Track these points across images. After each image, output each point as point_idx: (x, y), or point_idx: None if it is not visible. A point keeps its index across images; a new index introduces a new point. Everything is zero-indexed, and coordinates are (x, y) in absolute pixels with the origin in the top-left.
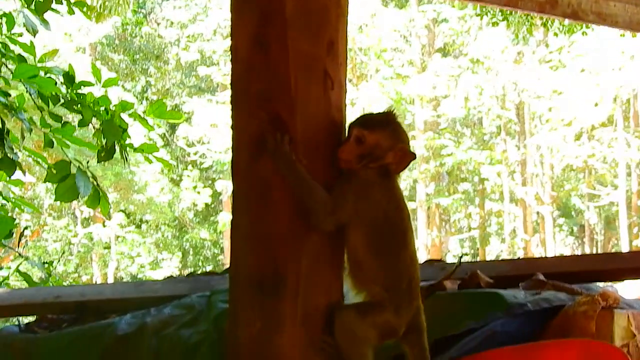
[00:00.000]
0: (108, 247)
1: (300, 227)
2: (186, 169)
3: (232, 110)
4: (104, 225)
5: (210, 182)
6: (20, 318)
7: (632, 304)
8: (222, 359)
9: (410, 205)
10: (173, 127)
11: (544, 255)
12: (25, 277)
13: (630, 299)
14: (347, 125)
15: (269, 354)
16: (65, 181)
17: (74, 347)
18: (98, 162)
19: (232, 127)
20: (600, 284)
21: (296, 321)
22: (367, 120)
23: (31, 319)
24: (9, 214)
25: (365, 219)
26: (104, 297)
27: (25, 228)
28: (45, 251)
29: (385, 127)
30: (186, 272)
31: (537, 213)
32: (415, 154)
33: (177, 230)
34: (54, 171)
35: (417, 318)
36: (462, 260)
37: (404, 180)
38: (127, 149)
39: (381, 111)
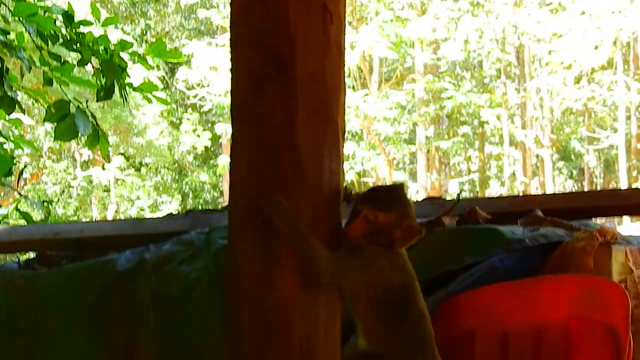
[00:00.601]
0: (107, 190)
1: None
2: (186, 112)
3: (231, 47)
4: (104, 168)
5: (209, 125)
6: (20, 255)
7: (630, 240)
8: (221, 294)
9: (410, 148)
10: (172, 70)
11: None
12: (25, 216)
13: (628, 235)
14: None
15: (269, 286)
16: (65, 120)
17: (73, 284)
18: (97, 101)
19: (231, 62)
20: (599, 221)
21: (294, 260)
22: (377, 200)
23: (31, 255)
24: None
25: (370, 290)
26: (103, 233)
27: (25, 166)
28: (45, 194)
29: (395, 206)
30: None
31: (537, 156)
32: (422, 230)
33: (176, 173)
34: (53, 110)
35: None
36: (461, 197)
37: (404, 124)
38: (127, 88)
39: (389, 185)
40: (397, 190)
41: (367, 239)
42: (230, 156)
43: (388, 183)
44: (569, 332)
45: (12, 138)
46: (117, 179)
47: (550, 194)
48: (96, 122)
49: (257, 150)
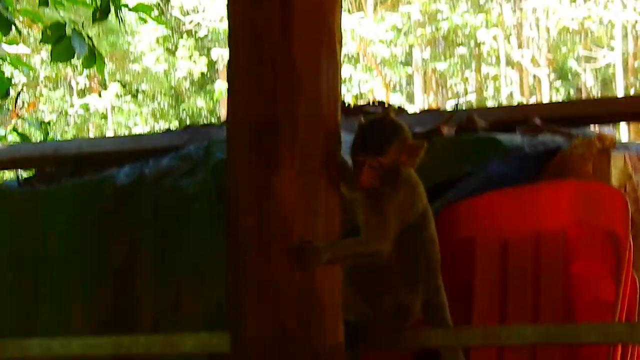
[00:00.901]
0: (105, 117)
1: None
2: (181, 38)
3: None
4: (100, 96)
5: (205, 51)
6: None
7: (628, 146)
8: (220, 207)
9: (406, 70)
10: None
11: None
12: (23, 137)
13: (627, 141)
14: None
15: (268, 194)
16: (61, 42)
17: (73, 200)
18: (93, 22)
19: None
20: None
21: (293, 166)
22: (372, 145)
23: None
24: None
25: (402, 220)
26: (102, 150)
27: (22, 90)
28: (42, 122)
29: (391, 142)
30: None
31: (534, 76)
32: (424, 142)
33: (173, 99)
34: (49, 32)
35: (436, 296)
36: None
37: (400, 46)
38: (122, 9)
39: (376, 121)
40: (385, 123)
41: (378, 180)
42: (228, 66)
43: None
44: (568, 238)
45: (8, 59)
46: (114, 106)
47: (548, 103)
48: (92, 43)
49: (255, 57)
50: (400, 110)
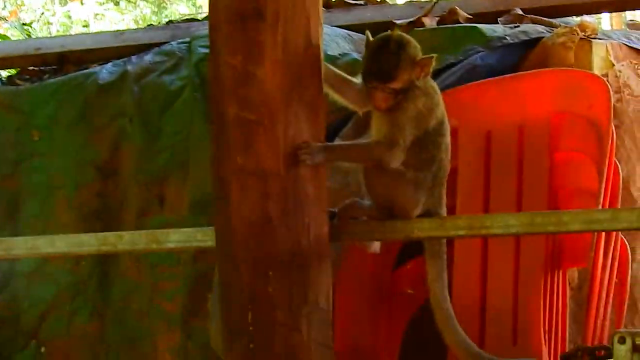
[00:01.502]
0: (87, 26)
1: None
2: None
3: None
4: (82, 4)
5: None
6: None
7: (610, 35)
8: (204, 102)
9: None
10: None
11: None
12: (4, 37)
13: (608, 30)
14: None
15: (252, 82)
16: None
17: (56, 97)
18: None
19: None
20: (578, 18)
21: (276, 56)
22: (381, 71)
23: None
24: None
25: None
26: (84, 47)
27: None
28: (24, 23)
29: (400, 65)
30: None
31: None
32: (433, 56)
33: (155, 6)
34: None
35: (438, 208)
36: None
37: None
38: None
39: (382, 41)
40: (392, 46)
41: (395, 99)
42: None
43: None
44: (551, 126)
45: None
46: (96, 14)
47: None
48: None
49: None
50: (382, 1)
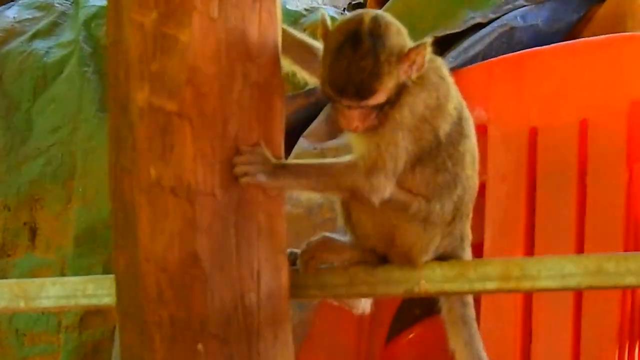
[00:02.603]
0: None
1: None
2: None
3: None
4: None
5: None
6: None
7: None
8: (98, 82)
9: None
10: None
11: None
12: None
13: None
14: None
15: (172, 55)
16: None
17: None
18: None
19: None
20: None
21: (209, 12)
22: (356, 83)
23: None
24: None
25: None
26: None
27: None
28: None
29: (383, 67)
30: None
31: None
32: (425, 43)
33: None
34: None
35: (457, 247)
36: None
37: None
38: None
39: (349, 33)
40: (364, 44)
41: (377, 114)
42: None
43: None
44: (629, 122)
45: None
46: None
47: None
48: None
49: None
50: None
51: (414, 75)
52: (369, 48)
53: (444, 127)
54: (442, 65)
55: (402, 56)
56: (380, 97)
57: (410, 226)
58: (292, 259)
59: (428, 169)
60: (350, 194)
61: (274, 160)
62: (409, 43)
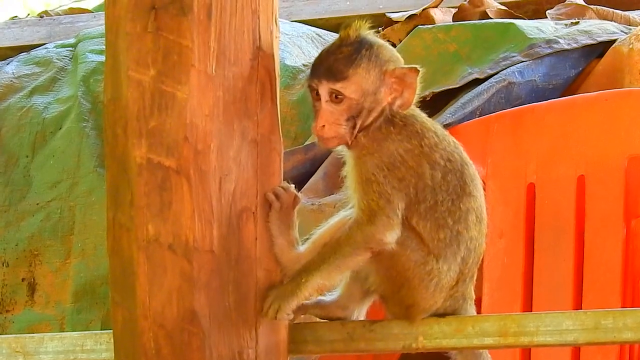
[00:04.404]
0: None
1: None
2: None
3: None
4: None
5: None
6: None
7: None
8: (97, 138)
9: None
10: None
11: None
12: None
13: None
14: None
15: (169, 112)
16: None
17: None
18: None
19: None
20: None
21: (207, 69)
22: (330, 65)
23: None
24: None
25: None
26: None
27: None
28: None
29: (361, 60)
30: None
31: None
32: (417, 67)
33: None
34: None
35: (457, 307)
36: None
37: None
38: None
39: (342, 33)
40: (350, 40)
41: (352, 130)
42: None
43: None
44: (627, 177)
45: None
46: None
47: None
48: None
49: None
50: None
51: (401, 104)
52: (354, 42)
53: (432, 174)
54: (432, 122)
55: (389, 69)
56: (350, 88)
57: (422, 283)
58: None
59: (429, 222)
60: (369, 251)
61: (285, 281)
62: (402, 64)
